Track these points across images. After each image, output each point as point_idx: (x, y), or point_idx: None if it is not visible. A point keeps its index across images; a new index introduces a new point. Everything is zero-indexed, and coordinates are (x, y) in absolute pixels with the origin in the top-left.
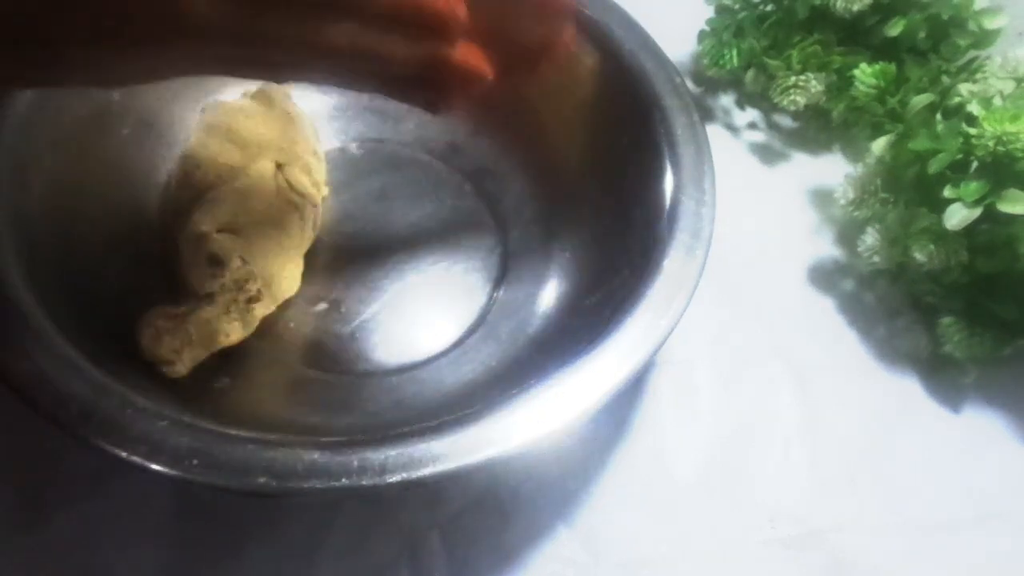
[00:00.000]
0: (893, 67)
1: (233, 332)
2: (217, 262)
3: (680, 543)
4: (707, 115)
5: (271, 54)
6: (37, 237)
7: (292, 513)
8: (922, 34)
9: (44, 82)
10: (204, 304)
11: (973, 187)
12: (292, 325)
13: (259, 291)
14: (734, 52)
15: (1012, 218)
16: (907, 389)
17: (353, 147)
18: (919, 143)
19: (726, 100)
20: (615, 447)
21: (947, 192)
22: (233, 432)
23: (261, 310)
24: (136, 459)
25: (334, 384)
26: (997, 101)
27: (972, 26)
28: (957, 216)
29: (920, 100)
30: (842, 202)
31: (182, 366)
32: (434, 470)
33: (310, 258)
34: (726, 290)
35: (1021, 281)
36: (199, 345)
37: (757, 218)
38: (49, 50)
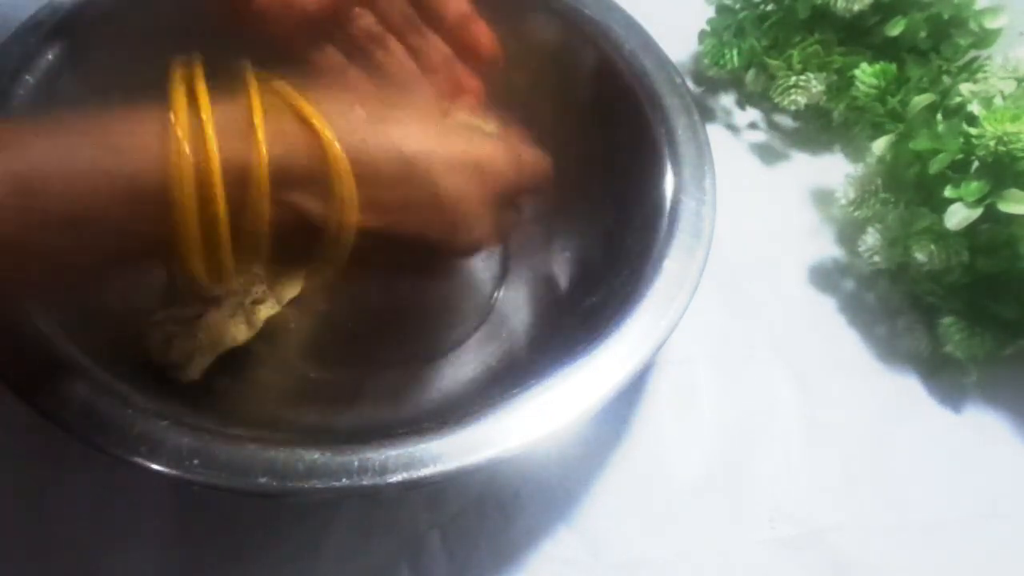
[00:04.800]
0: (894, 67)
1: (240, 334)
2: None
3: (680, 543)
4: (708, 115)
5: None
6: None
7: (292, 513)
8: (923, 34)
9: None
10: (211, 308)
11: (974, 187)
12: (293, 325)
13: (264, 293)
14: (735, 52)
15: (1013, 218)
16: (908, 389)
17: None
18: (920, 143)
19: (726, 100)
20: (615, 447)
21: (948, 192)
22: (233, 432)
23: (266, 311)
24: (136, 459)
25: (334, 383)
26: (998, 101)
27: (973, 26)
28: (958, 216)
29: (921, 100)
30: (843, 202)
31: (193, 370)
32: (434, 470)
33: None
34: (726, 290)
35: (1022, 281)
36: (208, 349)
37: (757, 218)
38: None
